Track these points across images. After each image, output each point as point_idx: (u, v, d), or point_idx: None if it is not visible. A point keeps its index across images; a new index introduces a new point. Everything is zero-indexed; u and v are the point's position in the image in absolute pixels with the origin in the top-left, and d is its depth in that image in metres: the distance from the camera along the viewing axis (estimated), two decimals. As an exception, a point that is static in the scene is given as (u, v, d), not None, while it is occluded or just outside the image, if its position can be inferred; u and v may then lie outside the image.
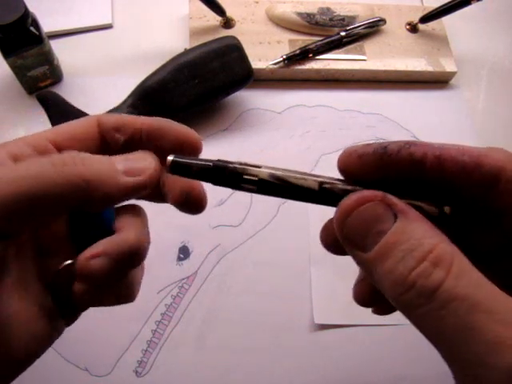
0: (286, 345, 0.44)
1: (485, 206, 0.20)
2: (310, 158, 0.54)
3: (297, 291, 0.47)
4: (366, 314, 0.48)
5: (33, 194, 0.18)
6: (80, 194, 0.19)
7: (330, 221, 0.24)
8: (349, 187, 0.21)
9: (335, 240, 0.22)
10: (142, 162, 0.22)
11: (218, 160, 0.22)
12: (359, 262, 0.20)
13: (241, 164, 0.22)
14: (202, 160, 0.22)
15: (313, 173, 0.22)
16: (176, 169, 0.22)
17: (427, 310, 0.17)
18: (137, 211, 0.25)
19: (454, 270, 0.17)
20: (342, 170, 0.22)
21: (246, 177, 0.22)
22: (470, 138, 0.58)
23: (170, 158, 0.22)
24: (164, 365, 0.43)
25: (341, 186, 0.21)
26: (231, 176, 0.22)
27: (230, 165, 0.22)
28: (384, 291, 0.19)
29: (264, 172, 0.22)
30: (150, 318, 0.44)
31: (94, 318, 0.44)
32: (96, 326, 0.43)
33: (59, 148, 0.23)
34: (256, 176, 0.22)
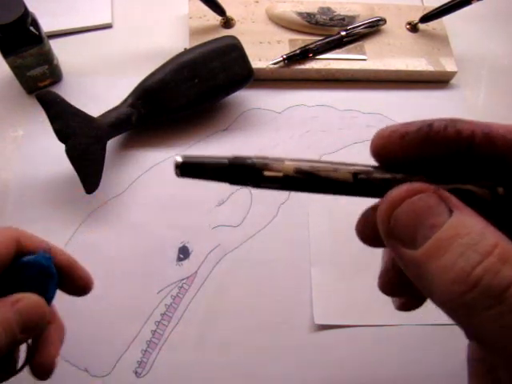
0: (286, 345, 0.44)
1: None
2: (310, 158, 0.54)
3: (297, 291, 0.47)
4: (366, 315, 0.48)
5: None
6: None
7: (369, 210, 0.21)
8: (388, 175, 0.19)
9: (374, 231, 0.20)
10: (37, 316, 0.27)
11: (235, 157, 0.19)
12: (406, 261, 0.17)
13: (259, 158, 0.19)
14: (214, 158, 0.20)
15: (341, 161, 0.19)
16: (186, 170, 0.19)
17: (497, 312, 0.15)
18: None
19: None
20: (377, 154, 0.19)
21: (267, 173, 0.19)
22: (471, 137, 0.58)
23: (179, 159, 0.19)
24: (164, 365, 0.43)
25: (379, 175, 0.19)
26: (251, 173, 0.19)
27: (249, 160, 0.19)
28: (438, 294, 0.16)
29: (289, 166, 0.19)
30: (149, 319, 0.44)
31: (93, 318, 0.44)
32: (96, 327, 0.43)
33: None
34: (280, 171, 0.19)
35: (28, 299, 0.26)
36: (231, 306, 0.46)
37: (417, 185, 0.17)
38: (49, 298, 0.29)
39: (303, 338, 0.45)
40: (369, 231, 0.21)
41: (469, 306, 0.15)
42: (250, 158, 0.19)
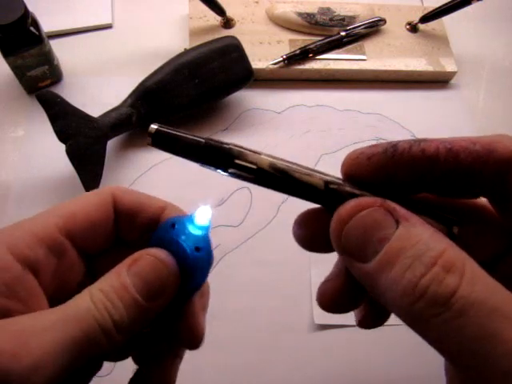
0: (286, 345, 0.44)
1: (498, 194, 0.19)
2: (309, 158, 0.54)
3: (297, 291, 0.47)
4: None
5: (82, 360, 0.18)
6: (116, 343, 0.19)
7: (305, 214, 0.22)
8: (357, 191, 0.19)
9: (313, 235, 0.21)
10: (160, 278, 0.21)
11: (211, 139, 0.19)
12: (360, 275, 0.18)
13: (237, 146, 0.19)
14: (190, 134, 0.20)
15: (318, 169, 0.20)
16: (159, 140, 0.19)
17: (444, 319, 0.15)
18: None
19: (467, 274, 0.16)
20: (347, 174, 0.20)
21: (242, 163, 0.19)
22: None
23: (154, 126, 0.19)
24: (164, 365, 0.43)
25: (349, 188, 0.19)
26: (224, 158, 0.19)
27: (225, 145, 0.19)
28: (391, 305, 0.17)
29: (264, 160, 0.19)
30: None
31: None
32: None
33: (71, 237, 0.21)
34: (255, 164, 0.19)
35: (146, 258, 0.21)
36: (231, 305, 0.46)
37: (363, 199, 0.18)
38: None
39: (303, 337, 0.45)
40: (308, 235, 0.22)
41: (418, 315, 0.16)
42: (227, 143, 0.19)
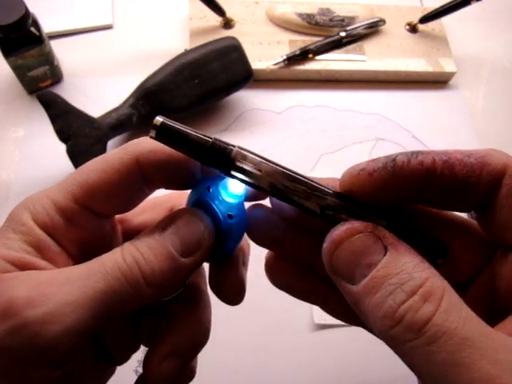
0: (286, 345, 0.44)
1: (488, 207, 0.20)
2: (310, 158, 0.54)
3: (297, 291, 0.47)
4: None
5: (105, 314, 0.19)
6: (145, 298, 0.20)
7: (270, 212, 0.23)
8: (351, 219, 0.20)
9: (275, 238, 0.23)
10: (195, 234, 0.21)
11: (216, 139, 0.19)
12: (347, 295, 0.19)
13: (243, 149, 0.20)
14: (197, 132, 0.19)
15: (319, 181, 0.20)
16: (164, 134, 0.19)
17: (416, 344, 0.17)
18: (197, 297, 0.25)
19: (443, 304, 0.17)
20: (349, 191, 0.20)
21: (243, 166, 0.20)
22: (470, 137, 0.58)
23: (160, 118, 0.19)
24: (164, 364, 0.43)
25: (344, 216, 0.20)
26: (229, 161, 0.19)
27: (232, 147, 0.20)
28: (371, 324, 0.19)
29: (264, 180, 0.20)
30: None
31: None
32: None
33: (90, 206, 0.21)
34: (257, 180, 0.20)
35: (184, 216, 0.21)
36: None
37: (356, 224, 0.19)
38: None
39: (303, 337, 0.45)
40: (270, 239, 0.24)
41: (395, 338, 0.17)
42: (233, 145, 0.20)
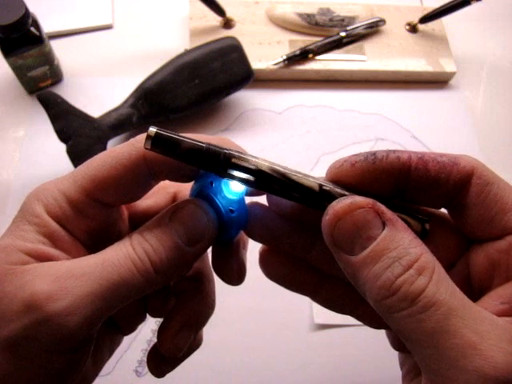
0: (286, 344, 0.44)
1: (458, 203, 0.22)
2: (310, 158, 0.54)
3: (297, 291, 0.47)
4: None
5: (119, 302, 0.20)
6: (155, 284, 0.21)
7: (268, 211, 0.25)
8: (346, 193, 0.21)
9: (271, 233, 0.24)
10: (200, 225, 0.23)
11: (210, 144, 0.20)
12: (345, 265, 0.20)
13: (236, 151, 0.21)
14: (190, 139, 0.20)
15: (314, 171, 0.21)
16: (158, 143, 0.19)
17: (408, 313, 0.18)
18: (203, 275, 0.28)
19: (434, 277, 0.19)
20: (333, 180, 0.22)
21: (243, 163, 0.21)
22: (470, 137, 0.58)
23: (153, 129, 0.19)
24: (164, 364, 0.43)
25: (339, 190, 0.21)
26: (224, 163, 0.20)
27: (226, 151, 0.20)
28: (366, 293, 0.20)
29: (263, 164, 0.21)
30: (150, 318, 0.44)
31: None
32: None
33: (99, 199, 0.22)
34: (255, 166, 0.21)
35: (189, 206, 0.23)
36: (231, 306, 0.46)
37: (358, 199, 0.20)
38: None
39: (303, 337, 0.45)
40: (268, 233, 0.25)
41: (389, 307, 0.19)
42: (227, 148, 0.21)
